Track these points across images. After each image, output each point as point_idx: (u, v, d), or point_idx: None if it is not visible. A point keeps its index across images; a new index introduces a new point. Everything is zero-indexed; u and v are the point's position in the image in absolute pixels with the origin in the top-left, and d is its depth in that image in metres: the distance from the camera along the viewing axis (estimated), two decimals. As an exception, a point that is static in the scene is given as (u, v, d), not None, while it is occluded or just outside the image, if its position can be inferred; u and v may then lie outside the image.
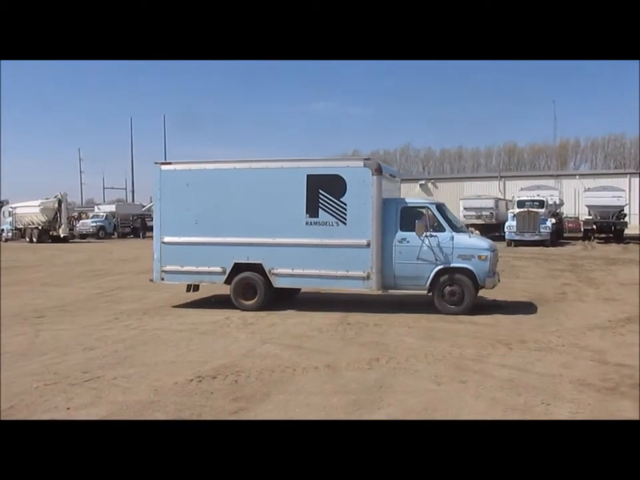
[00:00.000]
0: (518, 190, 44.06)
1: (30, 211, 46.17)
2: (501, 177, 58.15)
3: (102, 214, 53.73)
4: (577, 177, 54.65)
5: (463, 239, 12.26)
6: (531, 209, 35.01)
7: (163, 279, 13.32)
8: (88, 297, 14.84)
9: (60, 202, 44.89)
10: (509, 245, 34.26)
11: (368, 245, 12.18)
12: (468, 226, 44.57)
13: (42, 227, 45.16)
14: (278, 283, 12.73)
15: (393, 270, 12.31)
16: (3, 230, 49.95)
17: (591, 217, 38.35)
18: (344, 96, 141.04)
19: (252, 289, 12.76)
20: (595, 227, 37.90)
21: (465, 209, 43.16)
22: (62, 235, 44.07)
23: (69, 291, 16.03)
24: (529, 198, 37.64)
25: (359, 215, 12.18)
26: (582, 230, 40.10)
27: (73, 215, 53.96)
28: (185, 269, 13.03)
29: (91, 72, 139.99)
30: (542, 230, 34.08)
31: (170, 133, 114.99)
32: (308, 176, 12.42)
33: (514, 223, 34.59)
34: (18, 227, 47.76)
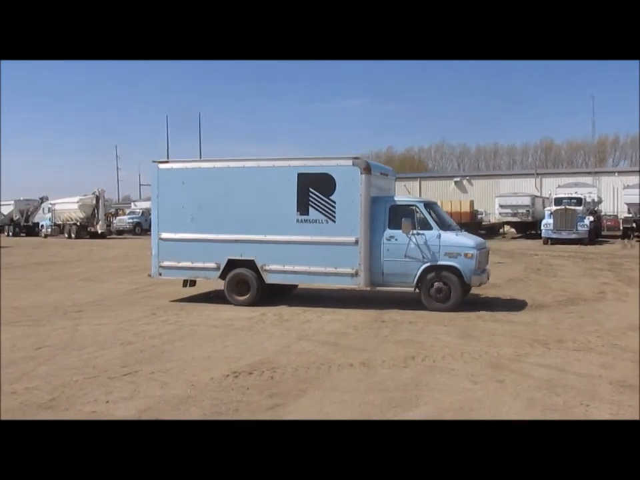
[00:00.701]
0: (555, 187, 43.39)
1: (68, 207, 46.96)
2: (538, 174, 57.28)
3: (138, 210, 54.35)
4: (616, 174, 53.56)
5: (449, 236, 12.34)
6: (568, 207, 34.46)
7: (160, 274, 13.69)
8: (125, 293, 15.04)
9: (97, 198, 45.58)
10: (545, 243, 33.80)
11: (356, 243, 12.38)
12: (503, 224, 44.27)
13: (80, 223, 45.90)
14: (270, 279, 12.95)
15: (381, 267, 12.49)
16: (42, 226, 50.93)
17: (630, 215, 37.61)
18: (376, 94, 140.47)
19: (245, 284, 13.03)
20: (634, 225, 37.18)
21: (500, 206, 42.72)
22: (99, 231, 44.75)
23: (106, 287, 16.27)
24: (567, 195, 37.04)
25: (348, 213, 12.39)
26: (621, 228, 39.41)
27: (110, 211, 54.67)
28: (182, 264, 13.39)
29: (128, 68, 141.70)
30: (579, 228, 33.53)
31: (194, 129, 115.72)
32: (299, 174, 12.64)
33: (551, 221, 34.08)
34: (57, 222, 48.62)
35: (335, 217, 12.46)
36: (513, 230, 44.87)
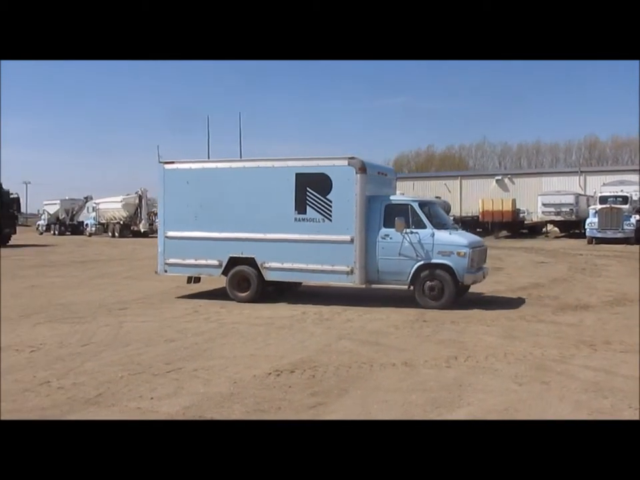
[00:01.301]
0: (600, 185, 42.53)
1: (112, 206, 47.81)
2: (582, 171, 56.16)
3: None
4: (664, 171, 52.36)
5: (443, 235, 12.46)
6: (613, 205, 33.81)
7: (166, 271, 14.15)
8: (168, 290, 15.21)
9: (140, 198, 46.30)
10: (589, 242, 33.22)
11: (351, 241, 12.63)
12: (546, 223, 43.53)
13: (123, 222, 46.69)
14: (269, 276, 13.28)
15: (376, 265, 12.70)
16: (87, 225, 51.91)
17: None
18: (416, 92, 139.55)
19: (246, 281, 13.39)
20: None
21: (543, 204, 42.11)
22: (142, 230, 45.44)
23: (149, 284, 16.47)
24: (612, 194, 36.29)
25: (344, 212, 12.64)
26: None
27: (153, 210, 55.47)
28: (186, 261, 13.83)
29: (170, 68, 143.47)
30: (625, 227, 32.88)
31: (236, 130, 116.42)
32: (297, 174, 12.97)
33: (595, 220, 33.48)
34: (101, 221, 49.54)
35: (331, 215, 12.76)
36: (556, 229, 44.18)
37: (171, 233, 13.99)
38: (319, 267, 12.87)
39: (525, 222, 44.25)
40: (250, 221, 13.23)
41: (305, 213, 12.92)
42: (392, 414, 6.17)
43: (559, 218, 41.75)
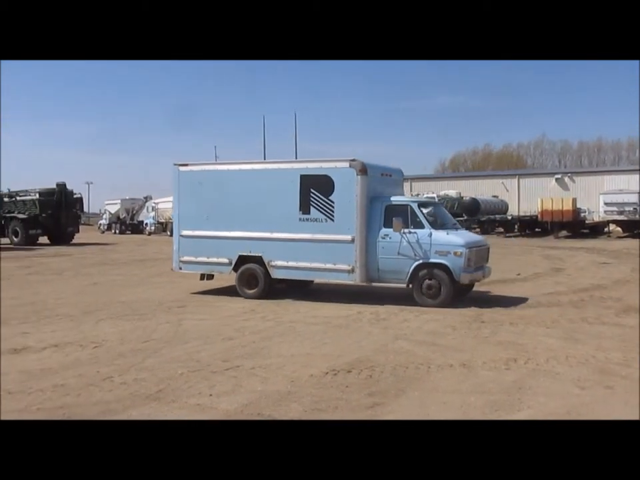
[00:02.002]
0: (665, 184, 41.23)
1: (171, 206, 48.54)
2: (646, 170, 54.53)
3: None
4: None
5: (440, 235, 12.66)
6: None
7: (180, 268, 14.83)
8: (224, 289, 15.38)
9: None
10: (654, 242, 32.18)
11: (352, 241, 12.96)
12: (608, 222, 42.35)
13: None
14: (275, 274, 13.76)
15: (376, 264, 13.01)
16: (146, 224, 52.99)
17: None
18: (473, 90, 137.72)
19: (254, 279, 13.88)
20: None
21: (605, 204, 41.09)
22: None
23: (206, 283, 16.68)
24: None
25: (345, 212, 13.00)
26: None
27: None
28: (198, 259, 14.44)
29: (228, 69, 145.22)
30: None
31: (301, 130, 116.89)
32: (301, 176, 13.40)
33: (661, 219, 32.41)
34: (160, 221, 50.48)
35: (333, 216, 13.15)
36: (618, 229, 42.95)
37: (185, 232, 14.59)
38: (321, 265, 13.28)
39: (586, 222, 43.16)
40: (258, 220, 13.72)
41: (308, 213, 13.34)
42: (450, 415, 6.10)
43: (621, 217, 40.63)
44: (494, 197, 52.55)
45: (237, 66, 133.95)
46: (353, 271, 13.02)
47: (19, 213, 34.27)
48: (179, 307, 12.68)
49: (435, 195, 47.58)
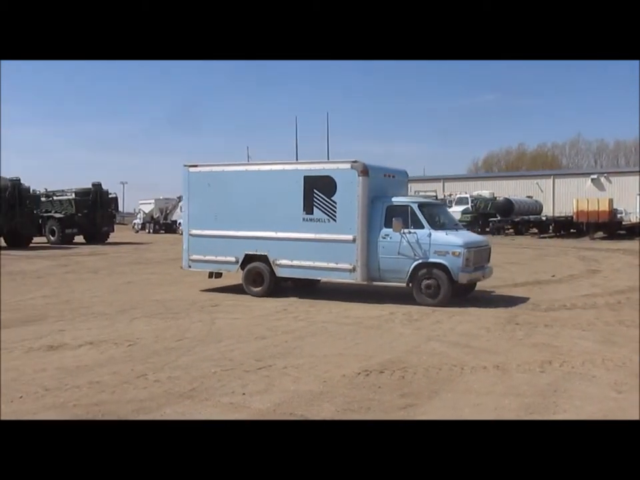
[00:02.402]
0: None
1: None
2: (685, 170, 53.43)
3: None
4: None
5: (439, 235, 12.82)
6: None
7: (190, 267, 15.22)
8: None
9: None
10: (694, 244, 31.50)
11: (354, 240, 13.21)
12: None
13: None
14: (280, 272, 14.07)
15: (377, 263, 13.22)
16: (179, 224, 53.39)
17: None
18: (507, 89, 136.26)
19: (260, 277, 14.19)
20: None
21: (643, 204, 40.26)
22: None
23: (238, 282, 16.75)
24: None
25: (347, 213, 13.26)
26: None
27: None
28: (207, 258, 14.81)
29: (260, 69, 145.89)
30: None
31: (333, 130, 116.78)
32: (305, 177, 13.72)
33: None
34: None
35: (335, 216, 13.42)
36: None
37: (194, 231, 14.99)
38: (324, 264, 13.55)
39: (623, 223, 42.39)
40: (263, 220, 14.04)
41: (312, 213, 13.63)
42: (484, 417, 6.05)
43: (662, 218, 39.81)
44: (528, 197, 51.96)
45: (268, 66, 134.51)
46: (354, 270, 13.27)
47: (55, 212, 34.84)
48: (212, 306, 12.77)
49: (467, 195, 47.28)
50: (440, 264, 12.65)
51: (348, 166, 13.35)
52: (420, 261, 12.80)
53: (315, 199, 13.58)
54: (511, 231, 44.87)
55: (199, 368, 7.88)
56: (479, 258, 13.23)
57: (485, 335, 10.00)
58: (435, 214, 13.79)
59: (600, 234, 40.11)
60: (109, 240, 36.39)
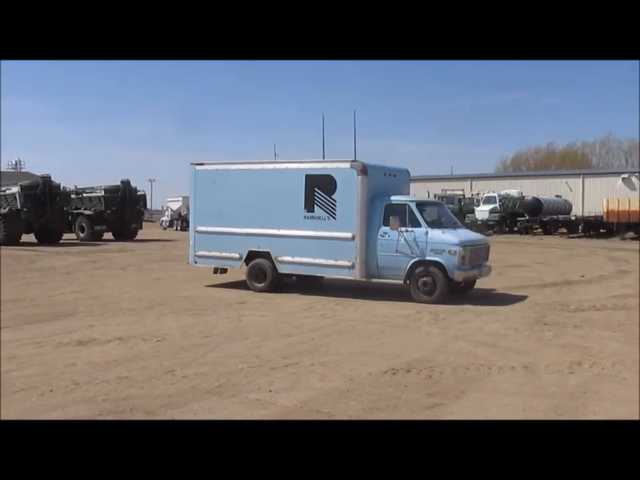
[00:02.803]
0: None
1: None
2: None
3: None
4: None
5: (436, 234, 13.02)
6: None
7: (196, 262, 15.70)
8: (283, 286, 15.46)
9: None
10: None
11: (353, 238, 13.46)
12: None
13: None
14: (282, 269, 14.42)
15: (376, 260, 13.46)
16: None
17: None
18: (536, 87, 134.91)
19: (263, 273, 14.56)
20: None
21: (675, 205, 39.50)
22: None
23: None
24: None
25: (346, 211, 13.52)
26: None
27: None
28: (212, 254, 15.25)
29: (277, 69, 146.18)
30: None
31: (360, 127, 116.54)
32: (306, 176, 14.01)
33: None
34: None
35: (335, 214, 13.70)
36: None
37: (200, 228, 15.43)
38: (324, 261, 13.83)
39: (656, 222, 41.64)
40: (266, 217, 14.40)
41: (313, 211, 13.91)
42: (512, 418, 5.99)
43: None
44: (557, 196, 51.37)
45: (297, 65, 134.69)
46: (353, 267, 13.52)
47: (85, 209, 35.27)
48: (238, 303, 12.84)
49: (495, 194, 46.88)
50: (436, 262, 12.85)
51: (347, 165, 13.62)
52: (417, 259, 13.02)
53: (316, 197, 13.87)
54: (540, 230, 44.40)
55: (226, 364, 7.92)
56: (475, 256, 13.38)
57: (512, 334, 9.91)
58: (434, 213, 14.13)
59: (630, 234, 39.49)
60: (137, 237, 36.75)
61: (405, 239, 13.07)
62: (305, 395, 6.74)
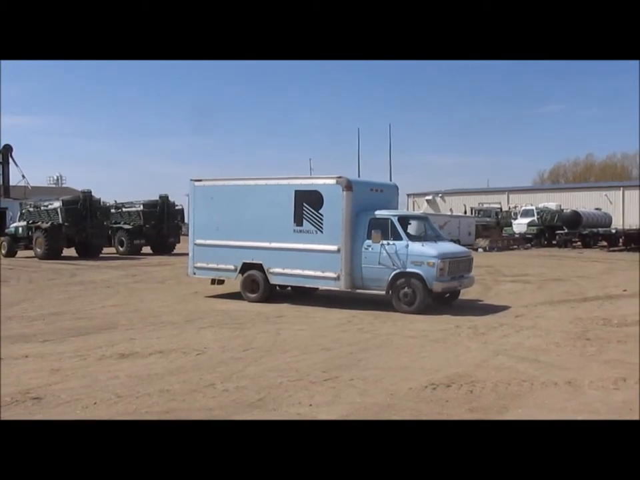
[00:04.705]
0: None
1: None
2: None
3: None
4: None
5: (416, 247, 13.51)
6: None
7: (194, 274, 16.46)
8: (318, 298, 15.49)
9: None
10: None
11: (338, 251, 14.01)
12: None
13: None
14: (273, 280, 15.08)
15: (360, 272, 14.00)
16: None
17: None
18: (576, 98, 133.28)
19: (256, 284, 15.18)
20: None
21: None
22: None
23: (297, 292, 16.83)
24: None
25: (332, 225, 14.12)
26: None
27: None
28: (210, 265, 15.96)
29: (323, 79, 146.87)
30: None
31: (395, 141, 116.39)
32: (296, 191, 14.69)
33: None
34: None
35: (322, 227, 14.31)
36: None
37: (198, 241, 16.14)
38: (312, 272, 14.42)
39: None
40: (259, 231, 15.05)
41: (301, 225, 14.57)
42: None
43: None
44: (596, 209, 50.57)
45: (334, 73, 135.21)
46: (338, 278, 14.07)
47: (124, 223, 35.76)
48: (277, 317, 12.88)
49: (533, 207, 46.36)
50: (416, 273, 13.33)
51: (334, 181, 14.22)
52: (398, 271, 13.52)
53: (305, 212, 14.50)
54: (579, 243, 43.71)
55: (265, 378, 7.96)
56: (455, 268, 13.82)
57: (554, 349, 9.77)
58: (418, 226, 14.70)
59: (673, 247, 38.64)
60: (175, 251, 37.12)
61: (387, 252, 13.60)
62: (345, 409, 6.73)
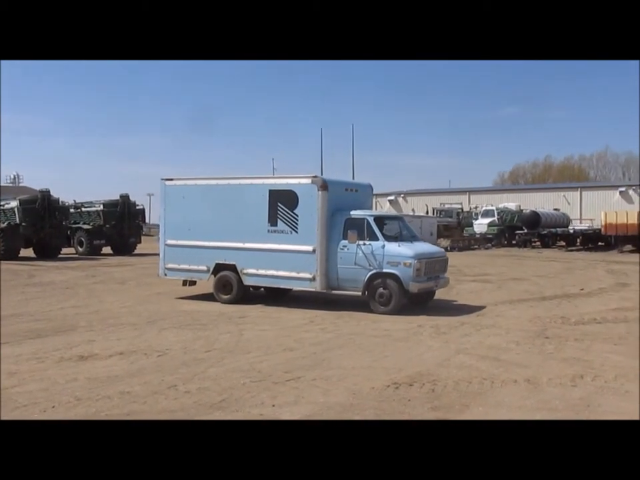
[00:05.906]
0: None
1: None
2: None
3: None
4: None
5: (392, 247, 13.46)
6: None
7: (165, 275, 16.13)
8: (289, 300, 15.48)
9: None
10: None
11: (314, 251, 13.86)
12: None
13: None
14: (247, 281, 14.88)
15: (336, 273, 13.88)
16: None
17: None
18: (532, 101, 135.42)
19: (229, 285, 14.99)
20: None
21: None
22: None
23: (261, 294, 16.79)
24: None
25: (308, 225, 13.97)
26: None
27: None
28: (181, 266, 15.69)
29: (279, 78, 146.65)
30: None
31: (357, 142, 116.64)
32: (270, 191, 14.49)
33: None
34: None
35: (297, 228, 14.15)
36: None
37: (169, 242, 15.87)
38: (287, 273, 14.25)
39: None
40: (232, 231, 14.80)
41: (276, 225, 14.38)
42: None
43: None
44: (555, 209, 51.50)
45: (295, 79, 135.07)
46: (314, 279, 13.92)
47: (84, 223, 35.19)
48: (239, 317, 12.82)
49: (494, 208, 46.98)
50: (392, 274, 13.26)
51: (309, 181, 14.07)
52: (374, 271, 13.44)
53: (279, 212, 14.31)
54: (538, 243, 44.46)
55: (228, 379, 7.91)
56: (431, 268, 13.82)
57: (514, 348, 9.91)
58: (394, 227, 14.60)
59: (629, 247, 39.57)
60: (136, 251, 36.68)
61: (363, 252, 13.51)
62: (308, 409, 6.73)
